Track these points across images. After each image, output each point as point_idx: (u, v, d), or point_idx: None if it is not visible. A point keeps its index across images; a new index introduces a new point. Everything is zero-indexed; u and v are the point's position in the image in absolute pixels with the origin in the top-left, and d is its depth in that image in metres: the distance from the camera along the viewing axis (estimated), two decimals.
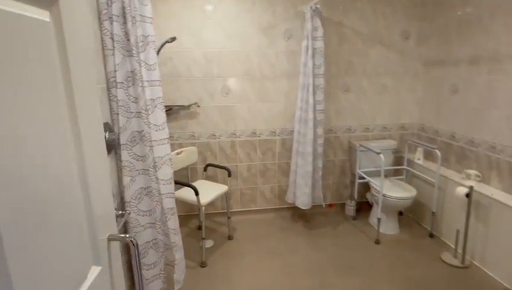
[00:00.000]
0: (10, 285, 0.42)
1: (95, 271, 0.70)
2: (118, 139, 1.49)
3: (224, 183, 2.60)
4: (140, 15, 1.44)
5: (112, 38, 1.38)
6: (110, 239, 0.77)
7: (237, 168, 2.87)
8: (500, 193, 2.10)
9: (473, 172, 2.31)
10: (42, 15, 0.54)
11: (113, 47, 1.40)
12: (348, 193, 3.13)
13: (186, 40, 2.54)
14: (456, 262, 2.23)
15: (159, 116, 1.52)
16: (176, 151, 2.45)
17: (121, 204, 1.56)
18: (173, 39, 2.27)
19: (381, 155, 2.43)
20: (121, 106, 1.46)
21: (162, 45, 2.29)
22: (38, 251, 0.50)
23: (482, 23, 2.24)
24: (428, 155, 2.83)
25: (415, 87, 2.96)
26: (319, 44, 2.45)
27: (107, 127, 1.40)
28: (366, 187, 2.97)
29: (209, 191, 2.38)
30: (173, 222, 1.66)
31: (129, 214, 1.52)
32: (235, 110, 2.75)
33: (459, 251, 2.25)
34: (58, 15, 0.58)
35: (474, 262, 2.23)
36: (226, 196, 2.63)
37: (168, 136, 1.57)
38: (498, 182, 2.17)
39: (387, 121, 3.02)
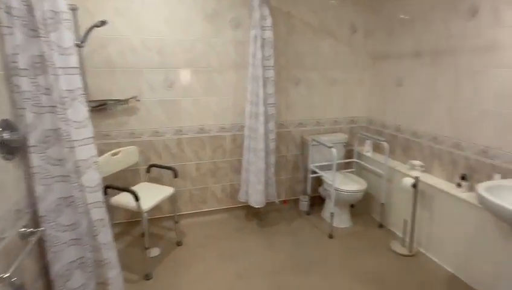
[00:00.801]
0: None
1: None
2: (25, 139, 1.20)
3: (171, 185, 2.37)
4: None
5: (9, 13, 1.09)
6: None
7: (185, 168, 2.65)
8: (442, 182, 2.18)
9: (417, 162, 2.38)
10: None
11: (12, 24, 1.11)
12: (301, 188, 3.09)
13: (121, 26, 2.25)
14: (404, 251, 2.29)
15: (80, 110, 1.26)
16: (112, 151, 2.15)
17: (33, 219, 1.28)
18: (103, 23, 1.97)
19: (333, 149, 2.40)
20: (27, 98, 1.18)
21: (90, 29, 1.98)
22: None
23: (424, 16, 2.30)
24: (376, 148, 2.89)
25: (363, 81, 3.00)
26: (268, 34, 2.33)
27: (7, 125, 1.12)
28: (318, 181, 2.94)
29: (152, 194, 2.14)
30: (104, 235, 1.41)
31: (44, 230, 1.25)
32: (180, 104, 2.52)
33: (407, 239, 2.31)
34: None
35: (421, 250, 2.31)
36: (172, 199, 2.40)
37: (92, 135, 1.32)
38: (440, 171, 2.26)
39: (338, 114, 3.02)
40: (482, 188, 1.57)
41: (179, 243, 2.42)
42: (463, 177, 2.01)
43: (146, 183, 2.40)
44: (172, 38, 2.39)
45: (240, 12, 2.51)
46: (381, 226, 2.67)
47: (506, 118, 1.77)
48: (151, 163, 2.46)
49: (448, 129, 2.16)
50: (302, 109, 2.89)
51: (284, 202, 3.07)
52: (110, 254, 1.44)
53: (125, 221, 2.59)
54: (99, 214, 1.37)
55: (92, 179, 1.33)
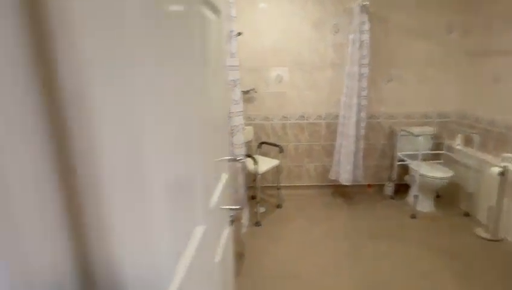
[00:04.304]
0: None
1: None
2: None
3: (276, 159, 3.00)
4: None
5: None
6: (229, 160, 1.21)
7: (286, 147, 3.27)
8: None
9: (509, 155, 2.48)
10: (215, 18, 0.97)
11: None
12: (387, 175, 3.39)
13: (248, 35, 2.97)
14: (488, 236, 2.43)
15: (237, 93, 1.96)
16: None
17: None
18: (239, 34, 2.70)
19: (420, 137, 2.68)
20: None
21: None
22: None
23: None
24: (468, 142, 3.00)
25: (456, 77, 3.13)
26: (365, 37, 2.75)
27: None
28: (404, 170, 3.20)
29: (264, 163, 2.80)
30: (241, 178, 2.09)
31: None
32: (287, 96, 3.14)
33: (492, 226, 2.45)
34: (220, 19, 1.01)
35: (507, 238, 2.42)
36: (277, 169, 3.03)
37: (242, 110, 2.01)
38: None
39: (428, 109, 3.22)
40: None
41: (279, 206, 3.05)
42: None
43: (257, 156, 3.09)
44: (285, 43, 3.01)
45: (341, 19, 2.98)
46: (467, 214, 2.81)
47: None
48: (262, 141, 3.15)
49: None
50: (392, 102, 3.19)
51: (369, 186, 3.42)
52: (242, 191, 2.12)
53: None
54: (240, 164, 2.06)
55: (239, 139, 2.02)
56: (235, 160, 1.41)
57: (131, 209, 0.42)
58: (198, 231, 0.75)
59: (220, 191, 1.04)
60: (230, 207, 1.21)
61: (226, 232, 1.19)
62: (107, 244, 0.37)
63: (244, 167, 2.23)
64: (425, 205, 2.90)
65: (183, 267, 0.61)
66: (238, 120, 2.00)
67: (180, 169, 0.63)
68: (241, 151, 2.05)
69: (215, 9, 0.95)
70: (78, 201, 0.34)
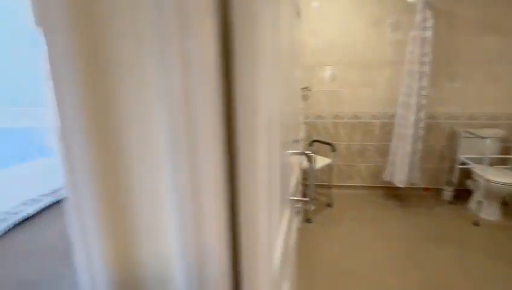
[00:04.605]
0: None
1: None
2: None
3: (327, 157, 3.01)
4: None
5: None
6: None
7: (338, 146, 3.25)
8: None
9: None
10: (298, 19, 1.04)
11: None
12: (445, 178, 3.22)
13: (305, 34, 3.02)
14: None
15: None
16: None
17: None
18: None
19: (487, 140, 2.51)
20: None
21: None
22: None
23: None
24: None
25: None
26: (428, 34, 2.64)
27: None
28: (465, 174, 3.02)
29: (317, 161, 2.83)
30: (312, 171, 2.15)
31: None
32: (340, 94, 3.13)
33: None
34: (299, 19, 1.08)
35: None
36: (329, 168, 3.04)
37: (301, 107, 2.06)
38: None
39: (496, 110, 3.00)
40: None
41: (329, 205, 3.05)
42: None
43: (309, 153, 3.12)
44: (341, 41, 3.01)
45: (400, 16, 2.90)
46: None
47: None
48: (314, 138, 3.17)
49: None
50: (455, 102, 3.03)
51: (426, 189, 3.28)
52: (312, 184, 2.18)
53: None
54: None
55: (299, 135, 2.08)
56: (303, 153, 1.47)
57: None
58: (286, 213, 0.83)
59: (294, 181, 1.11)
60: (299, 198, 1.28)
61: (295, 221, 1.26)
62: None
63: (310, 162, 2.29)
64: (490, 213, 2.71)
65: (280, 241, 0.70)
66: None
67: (286, 156, 0.72)
68: (299, 147, 2.10)
69: (298, 12, 1.02)
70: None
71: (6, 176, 2.80)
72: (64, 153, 0.39)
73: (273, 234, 0.61)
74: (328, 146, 3.00)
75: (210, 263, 0.41)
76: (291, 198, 1.21)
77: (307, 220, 2.75)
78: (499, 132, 2.88)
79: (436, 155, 3.19)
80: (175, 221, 0.40)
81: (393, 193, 3.24)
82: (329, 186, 3.07)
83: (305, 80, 3.12)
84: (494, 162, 2.93)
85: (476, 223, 2.63)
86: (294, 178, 1.15)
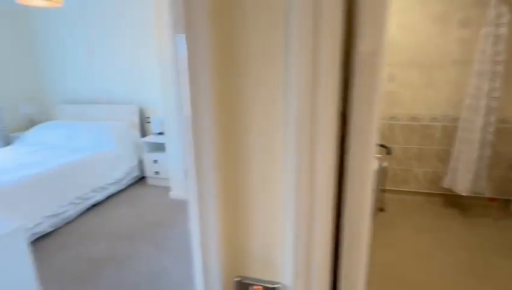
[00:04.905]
0: None
1: None
2: None
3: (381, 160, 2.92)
4: None
5: None
6: None
7: (393, 150, 3.13)
8: None
9: None
10: None
11: None
12: None
13: None
14: None
15: None
16: None
17: None
18: None
19: None
20: None
21: None
22: None
23: None
24: None
25: None
26: (503, 30, 2.43)
27: None
28: None
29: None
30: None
31: None
32: (398, 95, 3.00)
33: None
34: None
35: None
36: (383, 171, 2.95)
37: None
38: None
39: None
40: None
41: (381, 209, 2.96)
42: None
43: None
44: (401, 39, 2.88)
45: (469, 12, 2.69)
46: None
47: None
48: None
49: None
50: None
51: (491, 199, 3.02)
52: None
53: None
54: None
55: None
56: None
57: None
58: None
59: None
60: None
61: None
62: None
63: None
64: None
65: None
66: None
67: None
68: None
69: None
70: None
71: (79, 165, 3.14)
72: (194, 146, 0.45)
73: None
74: (382, 148, 2.91)
75: (316, 256, 0.45)
76: None
77: None
78: None
79: (505, 163, 2.92)
80: (289, 217, 0.45)
81: (453, 201, 3.03)
82: (383, 190, 2.97)
83: None
84: None
85: None
86: None
